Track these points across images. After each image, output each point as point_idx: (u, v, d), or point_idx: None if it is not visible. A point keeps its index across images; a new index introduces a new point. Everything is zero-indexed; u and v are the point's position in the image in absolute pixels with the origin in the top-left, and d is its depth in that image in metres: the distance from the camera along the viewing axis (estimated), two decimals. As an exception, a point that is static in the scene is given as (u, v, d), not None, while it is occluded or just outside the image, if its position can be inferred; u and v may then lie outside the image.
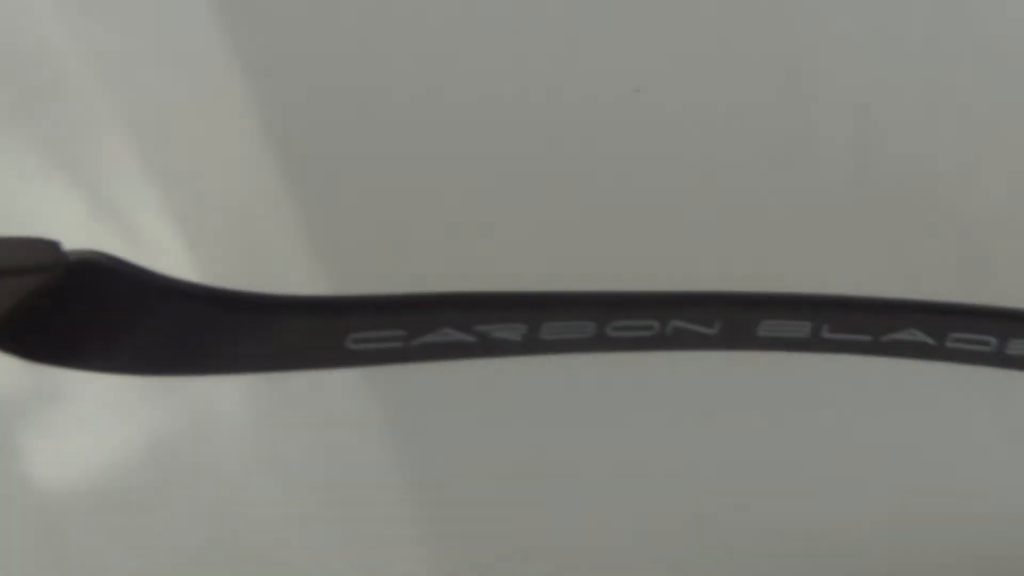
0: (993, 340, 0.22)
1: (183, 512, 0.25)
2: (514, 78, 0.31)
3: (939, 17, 0.34)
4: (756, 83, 0.32)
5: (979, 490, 0.27)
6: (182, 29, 0.31)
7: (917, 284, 0.28)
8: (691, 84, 0.32)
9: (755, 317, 0.21)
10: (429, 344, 0.20)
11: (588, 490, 0.26)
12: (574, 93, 0.31)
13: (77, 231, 0.28)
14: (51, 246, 0.18)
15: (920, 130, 0.32)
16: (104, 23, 0.31)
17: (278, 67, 0.31)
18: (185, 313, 0.19)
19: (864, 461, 0.27)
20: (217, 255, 0.28)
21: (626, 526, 0.26)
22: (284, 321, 0.19)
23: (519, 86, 0.31)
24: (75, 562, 0.25)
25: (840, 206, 0.30)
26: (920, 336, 0.21)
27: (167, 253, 0.28)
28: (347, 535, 0.25)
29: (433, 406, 0.26)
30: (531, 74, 0.31)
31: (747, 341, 0.21)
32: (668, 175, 0.30)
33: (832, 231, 0.30)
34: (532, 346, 0.20)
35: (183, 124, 0.30)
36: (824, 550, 0.26)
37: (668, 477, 0.26)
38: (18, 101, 0.29)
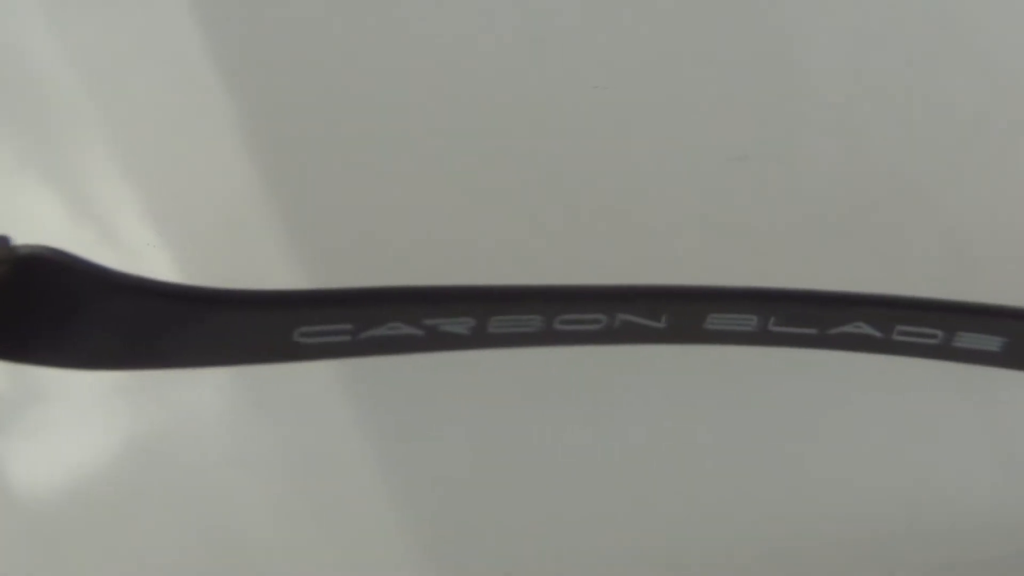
0: (939, 333, 0.22)
1: (165, 512, 0.25)
2: (486, 79, 0.31)
3: (923, 19, 0.34)
4: (739, 83, 0.32)
5: (954, 486, 0.27)
6: (162, 28, 0.31)
7: (900, 285, 0.28)
8: (675, 83, 0.32)
9: (702, 311, 0.21)
10: (377, 338, 0.20)
11: (570, 484, 0.26)
12: (543, 91, 0.31)
13: (55, 230, 0.28)
14: (0, 241, 0.18)
15: (903, 131, 0.32)
16: (83, 22, 0.31)
17: (258, 65, 0.31)
18: (134, 308, 0.19)
19: (841, 458, 0.27)
20: (197, 255, 0.28)
21: (606, 519, 0.26)
22: (232, 315, 0.19)
23: (491, 87, 0.31)
24: (56, 563, 0.25)
25: (823, 208, 0.30)
26: (867, 329, 0.22)
27: (146, 253, 0.28)
28: (331, 532, 0.25)
29: (417, 400, 0.27)
30: (499, 74, 0.31)
31: (694, 335, 0.21)
32: (658, 176, 0.30)
33: (815, 232, 0.30)
34: (480, 340, 0.20)
35: (162, 123, 0.30)
36: (799, 547, 0.26)
37: (648, 473, 0.26)
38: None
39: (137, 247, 0.28)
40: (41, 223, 0.28)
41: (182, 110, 0.30)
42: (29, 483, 0.26)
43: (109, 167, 0.29)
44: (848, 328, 0.22)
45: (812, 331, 0.22)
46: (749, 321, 0.21)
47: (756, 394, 0.27)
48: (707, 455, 0.27)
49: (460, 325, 0.20)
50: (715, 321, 0.21)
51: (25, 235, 0.19)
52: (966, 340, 0.22)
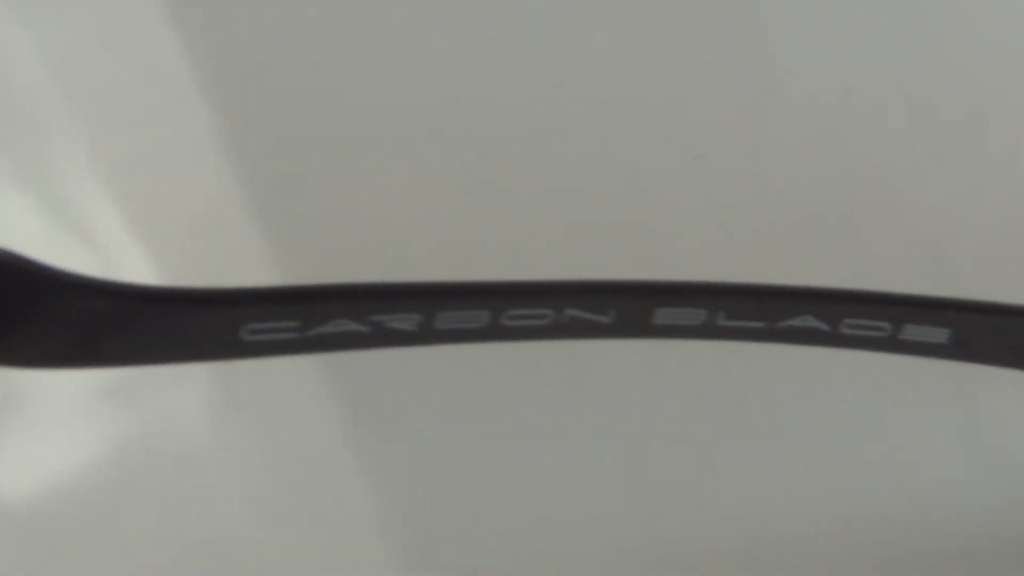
0: (887, 326, 0.22)
1: (147, 515, 0.25)
2: (450, 78, 0.31)
3: (895, 19, 0.34)
4: (713, 80, 0.32)
5: (929, 483, 0.27)
6: (135, 25, 0.31)
7: (873, 281, 0.28)
8: (643, 82, 0.32)
9: (650, 305, 0.21)
10: (324, 335, 0.20)
11: (549, 479, 0.26)
12: (507, 90, 0.31)
13: (27, 233, 0.28)
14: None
15: (875, 131, 0.32)
16: (58, 26, 0.31)
17: (235, 68, 0.31)
18: (79, 306, 0.19)
19: (811, 454, 0.27)
20: (175, 259, 0.28)
21: (581, 516, 0.26)
22: (179, 313, 0.20)
23: (455, 87, 0.31)
24: (37, 566, 0.25)
25: (793, 207, 0.31)
26: (814, 322, 0.22)
27: (124, 258, 0.28)
28: (316, 533, 0.25)
29: (399, 396, 0.27)
30: (461, 73, 0.32)
31: (642, 329, 0.21)
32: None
33: (786, 232, 0.30)
34: (427, 336, 0.20)
35: (139, 128, 0.30)
36: (770, 546, 0.26)
37: (624, 465, 0.27)
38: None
39: (111, 248, 0.28)
40: (11, 225, 0.29)
41: (156, 109, 0.31)
42: (8, 486, 0.26)
43: (81, 168, 0.30)
44: (796, 322, 0.22)
45: (760, 325, 0.22)
46: (697, 315, 0.21)
47: (728, 391, 0.27)
48: (678, 453, 0.27)
49: (407, 321, 0.20)
50: (663, 316, 0.21)
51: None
52: (913, 332, 0.22)
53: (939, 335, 0.22)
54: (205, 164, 0.30)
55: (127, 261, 0.28)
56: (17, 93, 0.30)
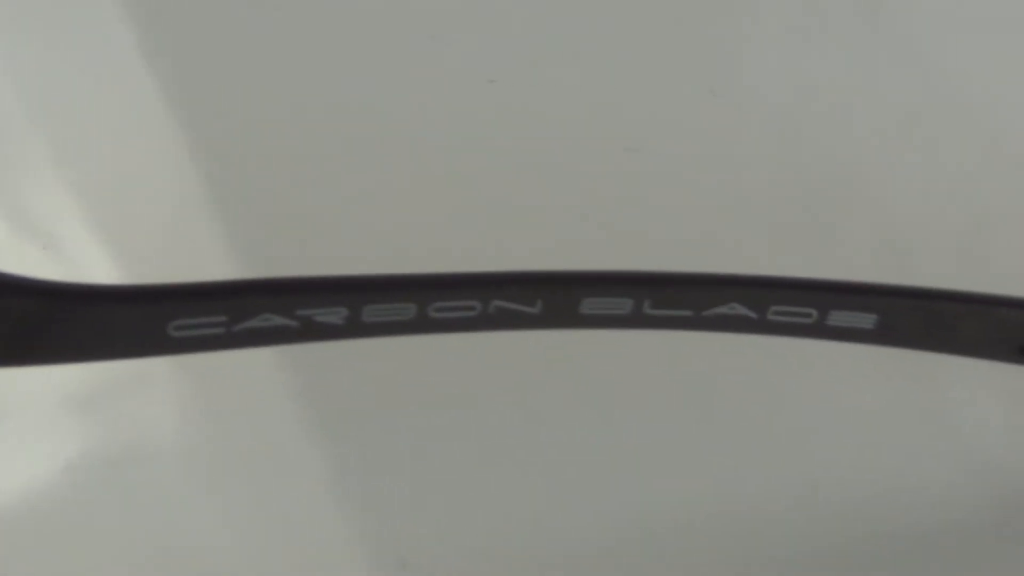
0: (813, 312, 0.22)
1: (114, 521, 0.25)
2: (387, 77, 0.32)
3: (855, 15, 0.34)
4: (677, 86, 0.32)
5: (895, 476, 0.27)
6: (100, 41, 0.31)
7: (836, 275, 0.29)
8: (603, 77, 0.32)
9: (577, 295, 0.21)
10: (251, 329, 0.20)
11: (519, 480, 0.26)
12: (440, 87, 0.31)
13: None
14: None
15: (836, 126, 0.32)
16: (16, 31, 0.31)
17: (196, 75, 0.31)
18: (7, 305, 0.19)
19: (777, 446, 0.27)
20: (137, 264, 0.28)
21: (547, 512, 0.26)
22: (107, 310, 0.20)
23: (391, 85, 0.31)
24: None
25: (755, 200, 0.31)
26: (741, 310, 0.22)
27: (87, 262, 0.28)
28: (284, 534, 0.26)
29: (369, 398, 0.27)
30: (398, 71, 0.32)
31: (570, 319, 0.21)
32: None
33: (754, 226, 0.30)
34: (355, 329, 0.21)
35: (101, 134, 0.30)
36: (739, 541, 0.26)
37: (588, 462, 0.27)
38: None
39: (73, 252, 0.29)
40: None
41: (116, 115, 0.31)
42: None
43: (39, 172, 0.30)
44: (723, 309, 0.22)
45: (687, 313, 0.22)
46: (624, 304, 0.21)
47: (692, 385, 0.28)
48: (645, 447, 0.27)
49: (334, 315, 0.20)
50: (590, 305, 0.21)
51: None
52: (840, 318, 0.22)
53: (866, 320, 0.22)
54: (165, 165, 0.30)
55: (88, 261, 0.28)
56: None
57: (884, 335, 0.23)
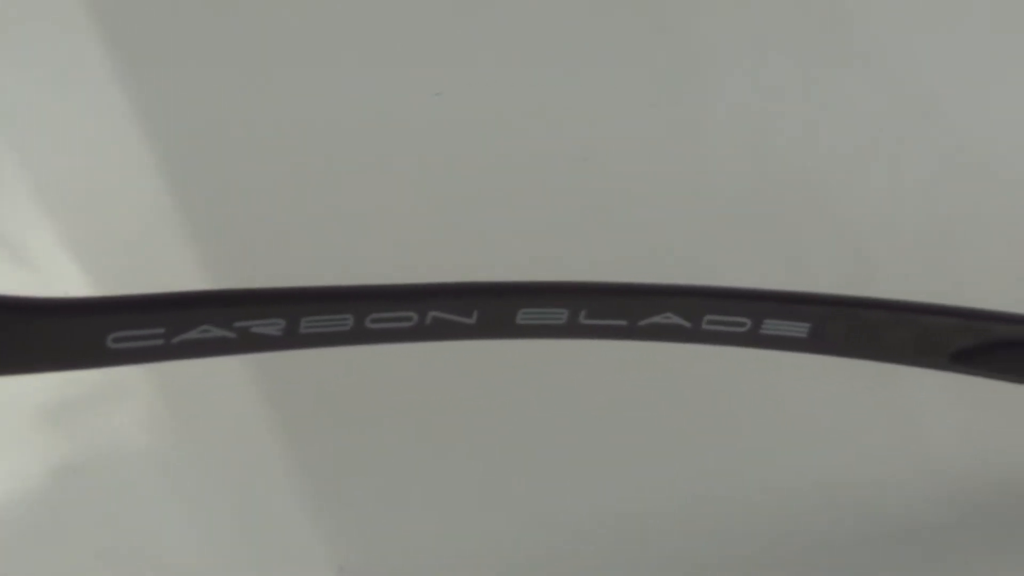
0: (747, 321, 0.22)
1: (81, 537, 0.26)
2: (341, 90, 0.32)
3: (819, 21, 0.34)
4: (640, 84, 0.33)
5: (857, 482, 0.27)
6: (67, 51, 0.32)
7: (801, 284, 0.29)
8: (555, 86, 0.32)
9: (512, 305, 0.21)
10: (190, 341, 0.20)
11: (486, 485, 0.27)
12: (386, 101, 0.32)
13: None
14: None
15: (798, 132, 0.33)
16: None
17: (163, 85, 0.31)
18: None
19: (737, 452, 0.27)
20: (106, 276, 0.29)
21: (513, 519, 0.26)
22: (44, 323, 0.20)
23: (343, 97, 0.32)
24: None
25: (726, 209, 0.31)
26: (676, 319, 0.22)
27: (56, 274, 0.28)
28: (252, 553, 0.26)
29: (339, 402, 0.27)
30: (349, 84, 0.32)
31: (506, 330, 0.22)
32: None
33: (719, 234, 0.31)
34: (293, 341, 0.21)
35: (68, 144, 0.31)
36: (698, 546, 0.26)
37: (557, 466, 0.27)
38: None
39: (43, 264, 0.29)
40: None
41: (83, 125, 0.31)
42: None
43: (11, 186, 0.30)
44: (657, 319, 0.22)
45: (622, 323, 0.22)
46: (560, 315, 0.22)
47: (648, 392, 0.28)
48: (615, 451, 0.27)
49: (271, 326, 0.21)
50: (526, 316, 0.22)
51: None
52: (773, 327, 0.23)
53: (798, 329, 0.23)
54: (133, 175, 0.30)
55: (56, 273, 0.29)
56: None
57: (817, 344, 0.23)
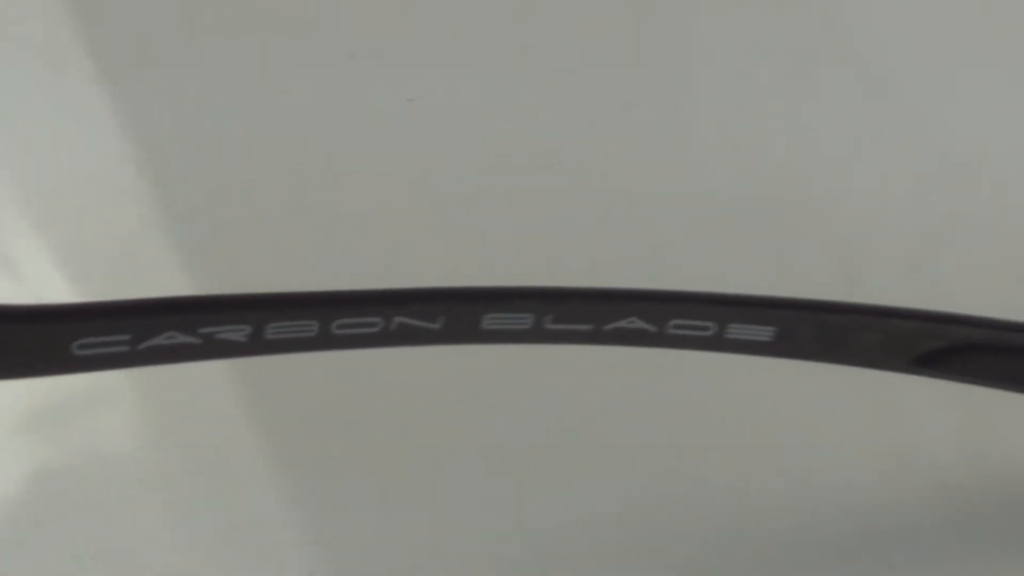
0: (712, 325, 0.23)
1: (63, 542, 0.26)
2: (311, 97, 0.32)
3: (808, 23, 0.35)
4: (624, 87, 0.33)
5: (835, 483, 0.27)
6: (48, 60, 0.32)
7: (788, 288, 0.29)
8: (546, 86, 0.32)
9: (478, 311, 0.22)
10: (155, 347, 0.20)
11: (468, 491, 0.27)
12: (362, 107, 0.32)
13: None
14: None
15: (787, 137, 0.33)
16: None
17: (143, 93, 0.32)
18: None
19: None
20: (89, 283, 0.29)
21: (493, 524, 0.26)
22: (9, 330, 0.20)
23: (314, 104, 0.32)
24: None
25: (714, 212, 0.31)
26: (641, 324, 0.22)
27: (38, 281, 0.29)
28: (234, 559, 0.26)
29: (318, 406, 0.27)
30: (322, 92, 0.32)
31: (471, 335, 0.22)
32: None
33: (707, 236, 0.31)
34: (258, 347, 0.21)
35: (52, 154, 0.31)
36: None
37: (536, 471, 0.27)
38: None
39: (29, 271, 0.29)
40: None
41: (67, 135, 0.31)
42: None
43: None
44: (622, 323, 0.22)
45: (588, 327, 0.22)
46: (525, 320, 0.22)
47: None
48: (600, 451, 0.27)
49: (237, 332, 0.21)
50: (491, 321, 0.22)
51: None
52: (738, 331, 0.23)
53: (763, 333, 0.23)
54: (117, 184, 0.30)
55: (41, 281, 0.29)
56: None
57: (782, 347, 0.23)
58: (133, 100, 0.32)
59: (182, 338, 0.20)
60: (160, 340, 0.20)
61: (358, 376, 0.27)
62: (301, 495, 0.27)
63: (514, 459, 0.27)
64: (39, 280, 0.29)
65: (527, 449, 0.27)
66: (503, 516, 0.26)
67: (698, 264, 0.30)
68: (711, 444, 0.28)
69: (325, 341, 0.21)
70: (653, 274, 0.28)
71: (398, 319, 0.21)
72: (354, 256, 0.29)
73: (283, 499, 0.27)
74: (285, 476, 0.27)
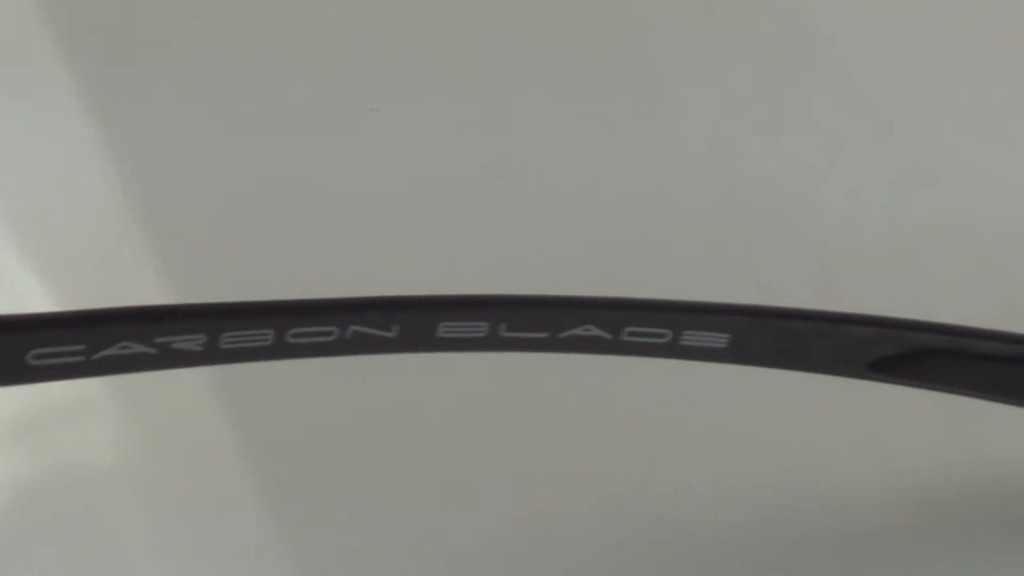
0: (667, 332, 0.23)
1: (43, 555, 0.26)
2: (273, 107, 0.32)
3: (781, 31, 0.35)
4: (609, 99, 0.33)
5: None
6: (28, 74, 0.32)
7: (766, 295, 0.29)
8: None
9: (433, 319, 0.22)
10: (110, 357, 0.21)
11: (444, 491, 0.27)
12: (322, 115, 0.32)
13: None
14: None
15: (763, 146, 0.33)
16: None
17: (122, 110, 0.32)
18: None
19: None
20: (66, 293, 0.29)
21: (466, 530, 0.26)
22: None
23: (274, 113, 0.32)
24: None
25: (691, 219, 0.31)
26: (596, 331, 0.22)
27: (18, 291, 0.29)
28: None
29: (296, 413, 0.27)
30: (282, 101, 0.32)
31: (427, 343, 0.22)
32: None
33: (684, 243, 0.31)
34: (214, 356, 0.21)
35: (31, 166, 0.31)
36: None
37: (507, 470, 0.27)
38: None
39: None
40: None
41: (45, 145, 0.31)
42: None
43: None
44: (578, 331, 0.22)
45: (543, 335, 0.22)
46: (480, 328, 0.22)
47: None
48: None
49: (192, 342, 0.21)
50: (446, 329, 0.22)
51: None
52: (693, 338, 0.23)
53: (718, 340, 0.23)
54: (95, 193, 0.30)
55: (19, 291, 0.29)
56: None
57: (737, 354, 0.23)
58: (104, 106, 0.32)
59: (137, 348, 0.21)
60: (115, 350, 0.20)
61: (338, 385, 0.27)
62: (283, 506, 0.27)
63: (490, 465, 0.27)
64: (15, 290, 0.29)
65: (502, 456, 0.27)
66: (478, 520, 0.26)
67: (664, 273, 0.30)
68: (672, 448, 0.28)
69: (281, 350, 0.21)
70: (619, 284, 0.28)
71: (353, 328, 0.21)
72: (313, 264, 0.29)
73: (265, 511, 0.27)
74: (267, 488, 0.27)
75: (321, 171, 0.31)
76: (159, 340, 0.20)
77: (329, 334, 0.21)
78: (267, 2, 0.34)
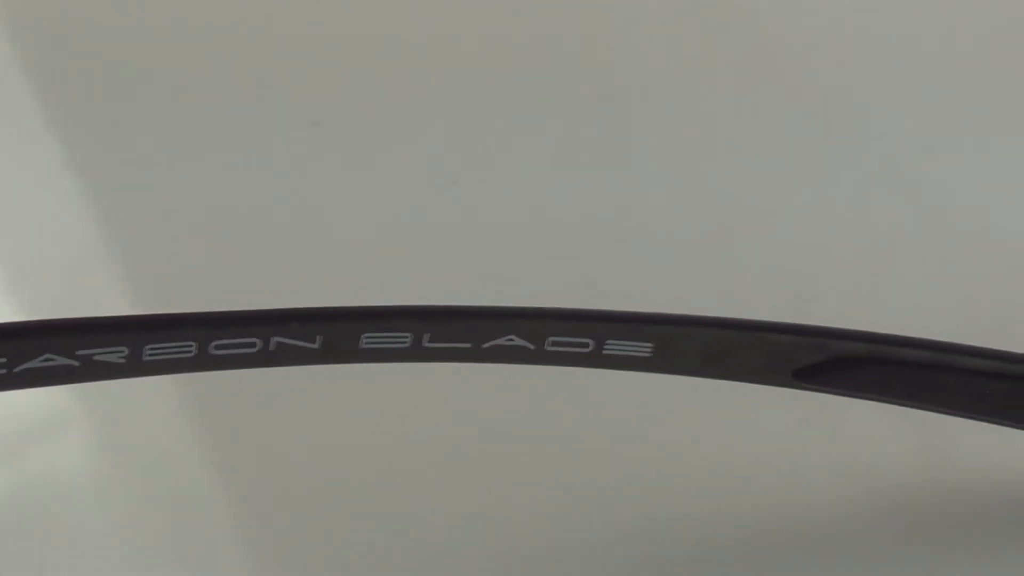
0: (590, 342, 0.23)
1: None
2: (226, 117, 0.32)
3: (749, 47, 0.35)
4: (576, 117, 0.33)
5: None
6: None
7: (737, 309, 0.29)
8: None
9: (356, 330, 0.22)
10: (32, 370, 0.21)
11: (425, 501, 0.27)
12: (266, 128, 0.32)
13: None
14: None
15: (733, 160, 0.33)
16: None
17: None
18: None
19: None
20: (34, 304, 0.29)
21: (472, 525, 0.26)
22: None
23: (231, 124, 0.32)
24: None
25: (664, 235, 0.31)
26: (519, 341, 0.23)
27: None
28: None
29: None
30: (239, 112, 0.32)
31: (350, 354, 0.22)
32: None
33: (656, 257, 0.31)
34: (136, 368, 0.21)
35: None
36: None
37: (493, 471, 0.27)
38: None
39: None
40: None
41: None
42: None
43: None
44: (501, 341, 0.23)
45: (467, 345, 0.22)
46: (404, 338, 0.22)
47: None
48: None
49: (114, 354, 0.21)
50: (370, 340, 0.22)
51: None
52: (616, 347, 0.23)
53: (642, 349, 0.23)
54: (63, 207, 0.31)
55: None
56: None
57: (661, 363, 0.23)
58: (81, 127, 0.32)
59: (60, 360, 0.21)
60: (37, 363, 0.21)
61: (313, 393, 0.27)
62: (254, 515, 0.27)
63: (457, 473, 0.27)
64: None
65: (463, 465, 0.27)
66: (460, 533, 0.27)
67: (635, 286, 0.30)
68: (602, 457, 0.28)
69: (204, 362, 0.21)
70: (590, 300, 0.29)
71: (276, 339, 0.22)
72: (239, 276, 0.29)
73: (231, 519, 0.27)
74: (233, 496, 0.27)
75: (256, 182, 0.31)
76: (80, 352, 0.21)
77: (252, 346, 0.21)
78: (219, 21, 0.35)
